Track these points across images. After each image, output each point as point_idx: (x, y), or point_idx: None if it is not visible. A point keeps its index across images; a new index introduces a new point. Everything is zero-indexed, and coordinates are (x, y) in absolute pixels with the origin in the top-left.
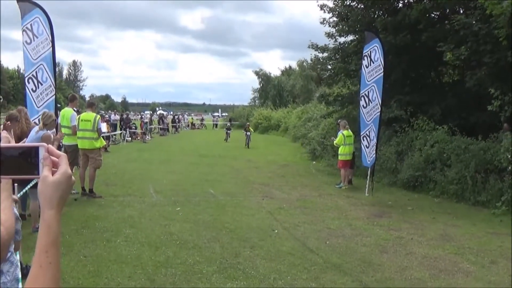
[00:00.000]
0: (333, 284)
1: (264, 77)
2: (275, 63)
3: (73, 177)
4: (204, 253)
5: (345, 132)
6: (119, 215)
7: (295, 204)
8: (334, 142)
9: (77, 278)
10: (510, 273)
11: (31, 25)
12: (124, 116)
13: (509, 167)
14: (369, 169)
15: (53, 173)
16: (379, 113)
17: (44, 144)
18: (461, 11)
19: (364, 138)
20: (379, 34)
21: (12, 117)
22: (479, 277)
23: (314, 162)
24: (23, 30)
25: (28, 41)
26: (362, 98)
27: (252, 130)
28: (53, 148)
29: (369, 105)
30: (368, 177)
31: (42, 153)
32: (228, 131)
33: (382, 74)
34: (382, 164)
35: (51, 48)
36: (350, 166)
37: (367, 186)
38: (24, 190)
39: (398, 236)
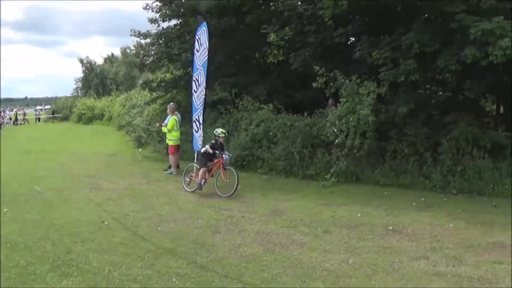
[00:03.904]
0: (168, 268)
1: (88, 66)
2: (97, 50)
3: None
4: (36, 253)
5: (175, 117)
6: None
7: (123, 194)
8: (166, 128)
9: None
10: (344, 241)
11: None
12: None
13: (336, 141)
14: (196, 152)
15: None
16: (204, 96)
17: None
18: None
19: (194, 123)
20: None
21: None
22: (314, 247)
23: (140, 150)
24: None
25: None
26: (193, 82)
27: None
28: None
29: (198, 89)
30: (195, 160)
31: None
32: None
33: (207, 57)
34: None
35: None
36: (178, 150)
37: (195, 169)
38: None
39: (230, 215)
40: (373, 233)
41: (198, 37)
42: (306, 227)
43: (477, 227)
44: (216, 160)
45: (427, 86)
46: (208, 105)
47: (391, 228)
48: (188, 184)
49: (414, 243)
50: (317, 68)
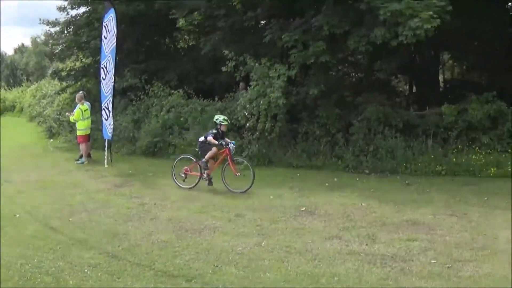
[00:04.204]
0: (81, 259)
1: None
2: (7, 41)
3: None
4: None
5: (82, 106)
6: None
7: (34, 186)
8: (72, 118)
9: None
10: (257, 224)
11: None
12: None
13: (247, 124)
14: (106, 140)
15: None
16: (113, 84)
17: None
18: None
19: (104, 111)
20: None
21: None
22: (226, 231)
23: (51, 140)
24: None
25: None
26: (102, 70)
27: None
28: None
29: (107, 76)
30: (106, 148)
31: None
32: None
33: (115, 44)
34: (119, 134)
35: None
36: (88, 139)
37: (105, 157)
38: None
39: (141, 203)
40: (286, 215)
41: (106, 24)
42: (218, 212)
43: (390, 206)
44: (219, 151)
45: (339, 67)
46: (118, 93)
47: (303, 209)
48: (184, 180)
49: (326, 223)
50: (226, 52)
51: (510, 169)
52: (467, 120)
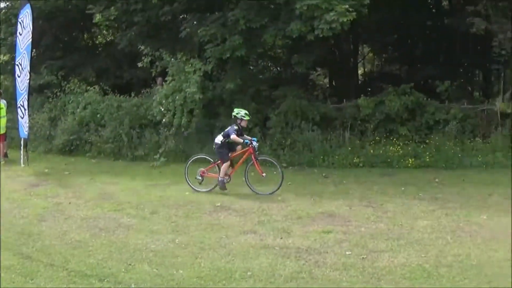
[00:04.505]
0: None
1: None
2: None
3: None
4: None
5: None
6: None
7: None
8: None
9: None
10: (172, 221)
11: None
12: None
13: (163, 120)
14: (22, 139)
15: None
16: (28, 81)
17: None
18: None
19: (19, 109)
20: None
21: None
22: (141, 229)
23: None
24: None
25: None
26: (17, 67)
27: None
28: None
29: (22, 73)
30: (22, 147)
31: None
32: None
33: (31, 40)
34: (36, 132)
35: None
36: (4, 139)
37: (22, 156)
38: None
39: (56, 203)
40: (201, 211)
41: (21, 20)
42: (133, 210)
43: (306, 198)
44: (240, 150)
45: (259, 61)
46: (35, 90)
47: (219, 204)
48: (200, 183)
49: (242, 218)
50: (142, 47)
51: (428, 160)
52: (385, 112)
